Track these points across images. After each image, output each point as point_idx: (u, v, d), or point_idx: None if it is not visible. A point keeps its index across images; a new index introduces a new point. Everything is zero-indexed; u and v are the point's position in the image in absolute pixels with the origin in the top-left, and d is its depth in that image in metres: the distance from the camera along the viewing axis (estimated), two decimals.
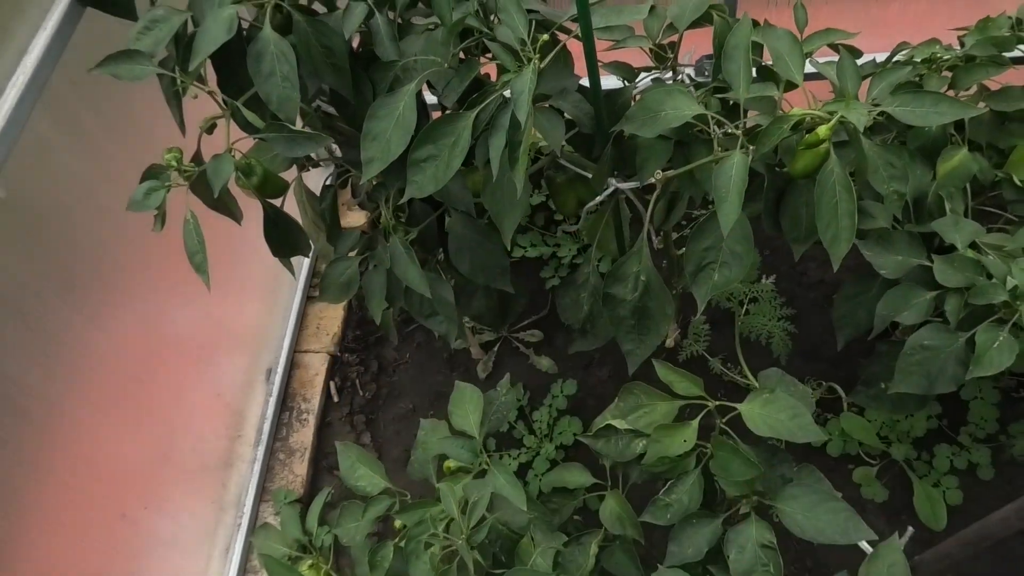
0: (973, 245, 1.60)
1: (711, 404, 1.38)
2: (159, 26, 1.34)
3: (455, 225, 1.65)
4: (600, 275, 1.70)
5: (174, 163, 1.38)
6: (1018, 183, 1.72)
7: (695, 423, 1.35)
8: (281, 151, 1.34)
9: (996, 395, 2.07)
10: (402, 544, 1.42)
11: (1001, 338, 1.45)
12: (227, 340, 2.30)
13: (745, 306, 2.32)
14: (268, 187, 1.49)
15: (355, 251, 1.72)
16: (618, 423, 1.44)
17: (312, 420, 2.35)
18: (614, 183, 1.64)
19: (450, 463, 1.49)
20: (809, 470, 1.37)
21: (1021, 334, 1.45)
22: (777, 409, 1.32)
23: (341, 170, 1.80)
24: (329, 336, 2.52)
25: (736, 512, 1.33)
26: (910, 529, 1.54)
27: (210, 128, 1.43)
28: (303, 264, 2.62)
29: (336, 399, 2.43)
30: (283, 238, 1.56)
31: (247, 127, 1.37)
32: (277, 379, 2.38)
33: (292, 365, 2.45)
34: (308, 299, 2.60)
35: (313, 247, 1.96)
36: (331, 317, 2.56)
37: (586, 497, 1.57)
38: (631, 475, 1.45)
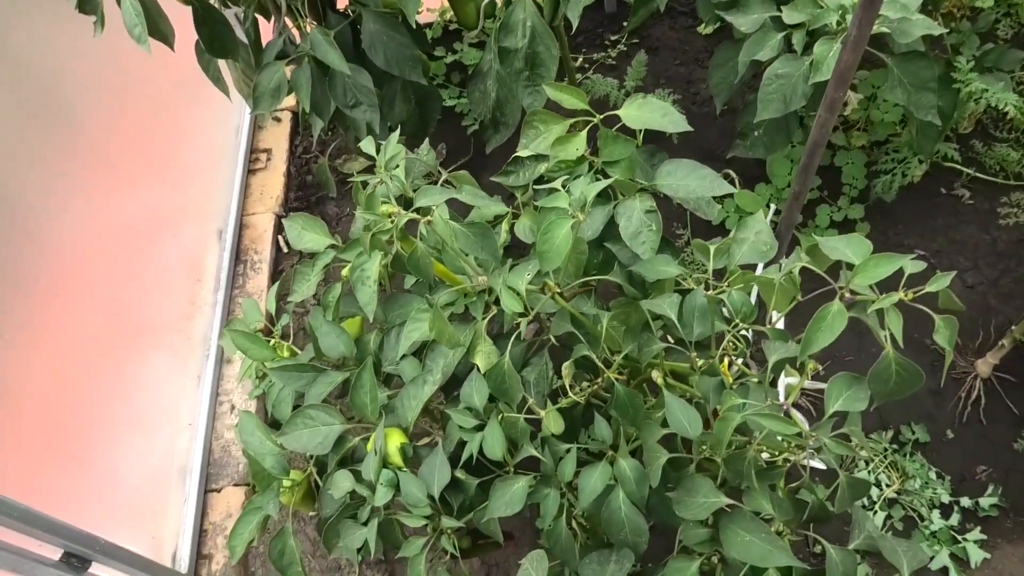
0: None
1: (597, 118, 1.61)
2: None
3: (367, 22, 1.86)
4: (500, 63, 1.92)
5: None
6: None
7: (584, 132, 1.59)
8: None
9: (864, 158, 2.36)
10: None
11: (835, 48, 1.72)
12: (181, 208, 2.49)
13: None
14: None
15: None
16: (523, 153, 1.67)
17: (266, 268, 2.55)
18: None
19: (384, 207, 1.71)
20: None
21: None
22: (650, 110, 1.56)
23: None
24: (273, 199, 2.71)
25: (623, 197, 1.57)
26: (772, 206, 1.81)
27: None
28: (242, 139, 2.80)
29: (286, 250, 2.63)
30: (214, 33, 1.75)
31: None
32: (229, 237, 2.57)
33: (241, 226, 2.64)
34: (249, 172, 2.78)
35: (247, 101, 2.16)
36: (273, 184, 2.75)
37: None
38: (540, 196, 1.68)
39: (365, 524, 1.39)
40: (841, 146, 2.42)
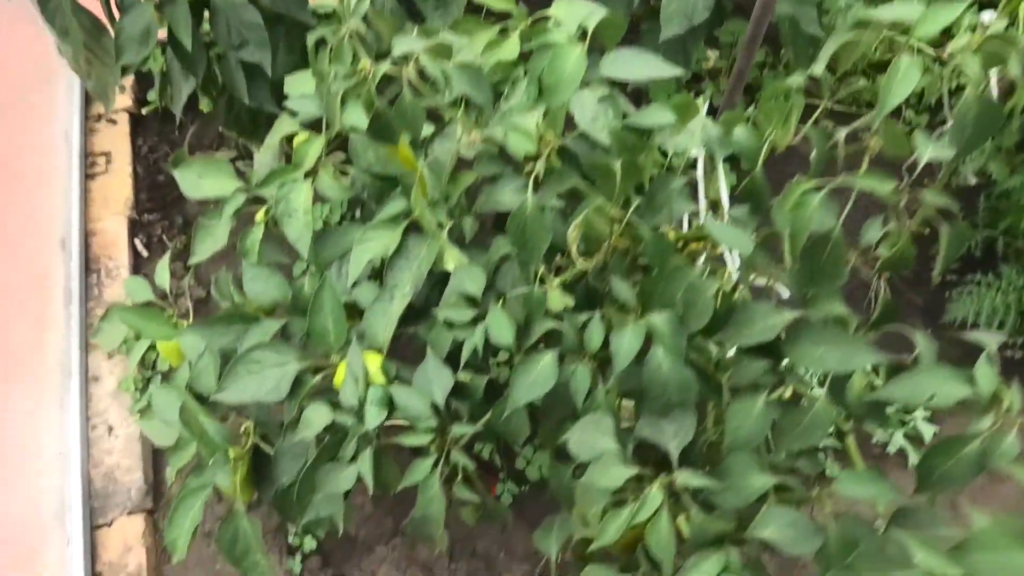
0: None
1: (524, 20, 1.54)
2: None
3: None
4: None
5: None
6: None
7: (516, 34, 1.50)
8: None
9: None
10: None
11: None
12: (11, 222, 2.13)
13: None
14: None
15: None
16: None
17: (123, 273, 2.21)
18: None
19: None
20: None
21: None
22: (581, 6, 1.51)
23: None
24: (121, 202, 2.37)
25: None
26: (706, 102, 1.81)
27: None
28: (73, 143, 2.45)
29: (146, 255, 2.30)
30: None
31: None
32: (74, 246, 2.21)
33: (87, 234, 2.29)
34: (88, 177, 2.43)
35: (87, 84, 1.90)
36: (117, 187, 2.41)
37: None
38: None
39: (353, 459, 1.17)
40: None
